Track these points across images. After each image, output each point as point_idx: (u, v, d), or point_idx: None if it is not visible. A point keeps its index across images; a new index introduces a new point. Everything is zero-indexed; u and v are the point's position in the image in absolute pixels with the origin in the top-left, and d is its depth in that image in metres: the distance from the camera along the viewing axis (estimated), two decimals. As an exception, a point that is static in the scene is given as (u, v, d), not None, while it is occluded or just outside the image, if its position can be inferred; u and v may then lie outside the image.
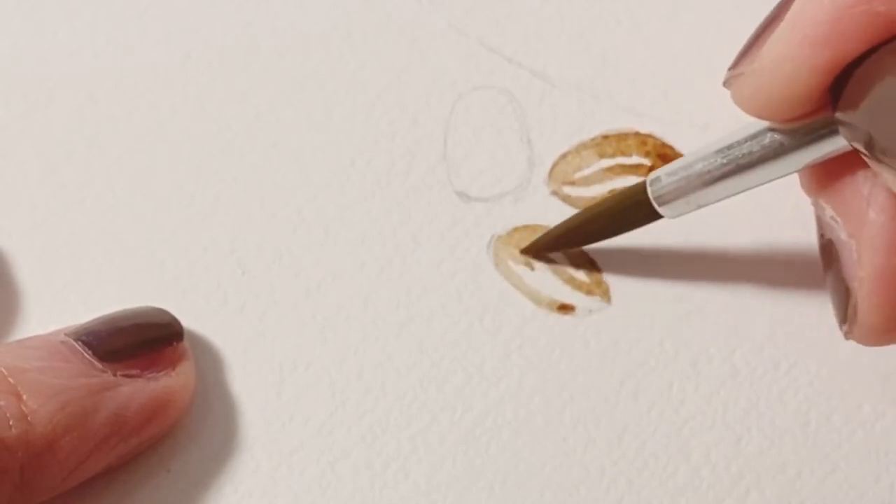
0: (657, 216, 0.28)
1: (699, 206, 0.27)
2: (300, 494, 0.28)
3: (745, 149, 0.26)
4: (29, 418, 0.25)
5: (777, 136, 0.25)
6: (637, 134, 0.32)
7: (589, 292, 0.30)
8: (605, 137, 0.32)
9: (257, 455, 0.28)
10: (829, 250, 0.26)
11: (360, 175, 0.31)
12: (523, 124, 0.32)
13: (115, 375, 0.27)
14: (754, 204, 0.30)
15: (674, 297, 0.30)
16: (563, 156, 0.32)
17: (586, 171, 0.31)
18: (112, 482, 0.28)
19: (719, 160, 0.26)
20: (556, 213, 0.31)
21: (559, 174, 0.31)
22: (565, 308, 0.30)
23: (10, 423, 0.25)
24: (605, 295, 0.30)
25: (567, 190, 0.31)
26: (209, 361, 0.29)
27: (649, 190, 0.28)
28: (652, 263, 0.30)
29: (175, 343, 0.28)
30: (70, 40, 0.33)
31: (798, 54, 0.23)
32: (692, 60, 0.32)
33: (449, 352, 0.29)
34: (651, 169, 0.31)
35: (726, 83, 0.26)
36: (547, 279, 0.30)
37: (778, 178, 0.26)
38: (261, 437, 0.28)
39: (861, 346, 0.27)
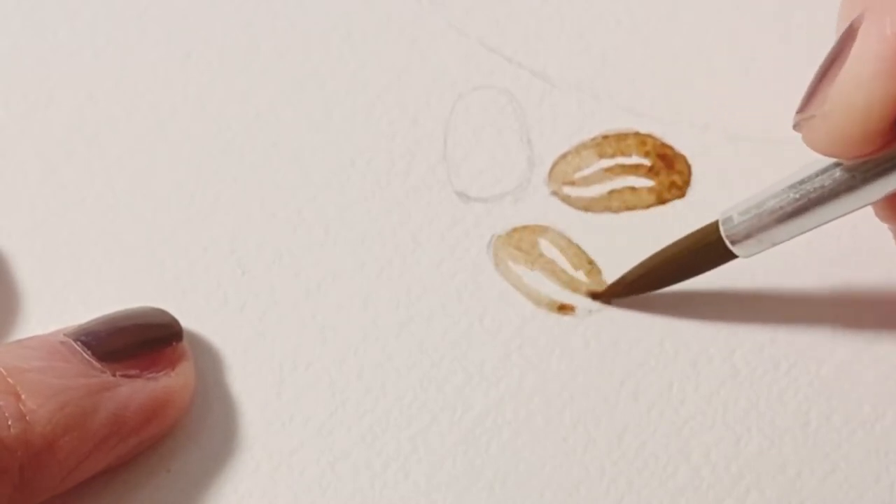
0: (731, 256, 0.28)
1: (773, 244, 0.27)
2: (300, 494, 0.28)
3: (816, 183, 0.26)
4: (28, 418, 0.25)
5: (849, 170, 0.25)
6: (637, 134, 0.32)
7: (589, 292, 0.30)
8: (605, 137, 0.32)
9: (257, 455, 0.28)
10: None
11: (360, 175, 0.31)
12: (523, 124, 0.32)
13: (114, 375, 0.27)
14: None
15: (673, 298, 0.30)
16: (563, 156, 0.32)
17: (586, 171, 0.31)
18: (112, 482, 0.28)
19: (791, 196, 0.26)
20: (555, 213, 0.31)
21: (559, 174, 0.31)
22: (565, 308, 0.30)
23: (9, 422, 0.25)
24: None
25: (567, 190, 0.31)
26: (209, 361, 0.29)
27: (722, 230, 0.28)
28: (652, 263, 0.30)
29: (175, 343, 0.28)
30: (70, 40, 0.33)
31: (869, 90, 0.23)
32: (692, 60, 0.32)
33: (449, 352, 0.29)
34: (651, 169, 0.31)
35: (796, 127, 0.26)
36: (547, 279, 0.30)
37: (852, 211, 0.26)
38: (261, 437, 0.28)
39: (861, 347, 0.27)
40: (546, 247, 0.31)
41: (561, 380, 0.29)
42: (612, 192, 0.31)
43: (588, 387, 0.29)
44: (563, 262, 0.30)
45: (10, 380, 0.25)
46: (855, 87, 0.23)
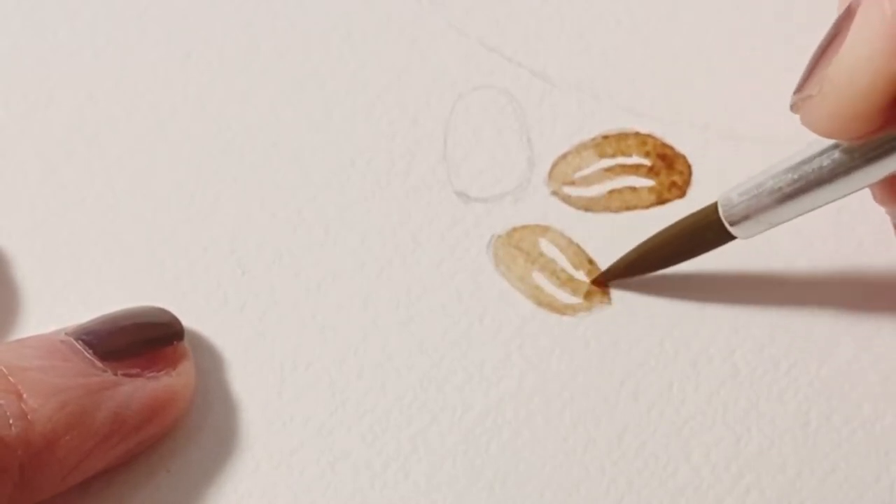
0: (730, 237, 0.28)
1: (772, 225, 0.27)
2: (300, 494, 0.28)
3: (815, 164, 0.26)
4: (29, 417, 0.25)
5: (847, 151, 0.25)
6: (637, 134, 0.32)
7: (589, 292, 0.30)
8: (605, 137, 0.32)
9: (257, 455, 0.28)
10: None
11: (360, 175, 0.31)
12: (523, 124, 0.32)
13: (115, 374, 0.27)
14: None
15: (674, 297, 0.30)
16: (563, 156, 0.32)
17: (586, 171, 0.31)
18: (112, 482, 0.28)
19: (790, 177, 0.26)
20: (555, 213, 0.31)
21: (559, 174, 0.31)
22: (565, 308, 0.30)
23: (10, 421, 0.25)
24: (605, 295, 0.30)
25: (567, 190, 0.31)
26: (209, 361, 0.29)
27: (721, 210, 0.28)
28: (652, 263, 0.30)
29: (176, 342, 0.28)
30: (70, 40, 0.33)
31: (868, 69, 0.23)
32: (692, 60, 0.32)
33: (449, 352, 0.29)
34: (651, 169, 0.31)
35: (793, 107, 0.25)
36: (547, 279, 0.30)
37: (852, 192, 0.26)
38: (261, 437, 0.28)
39: (861, 347, 0.27)
40: (546, 246, 0.31)
41: (561, 379, 0.29)
42: (612, 191, 0.31)
43: (588, 387, 0.29)
44: (564, 262, 0.30)
45: (11, 378, 0.25)
46: (854, 67, 0.23)
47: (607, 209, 0.31)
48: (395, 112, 0.32)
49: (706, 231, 0.28)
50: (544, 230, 0.31)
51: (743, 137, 0.31)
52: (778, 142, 0.31)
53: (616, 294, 0.30)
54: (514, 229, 0.31)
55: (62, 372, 0.26)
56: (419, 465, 0.28)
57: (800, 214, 0.27)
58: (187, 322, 0.29)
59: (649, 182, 0.31)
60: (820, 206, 0.26)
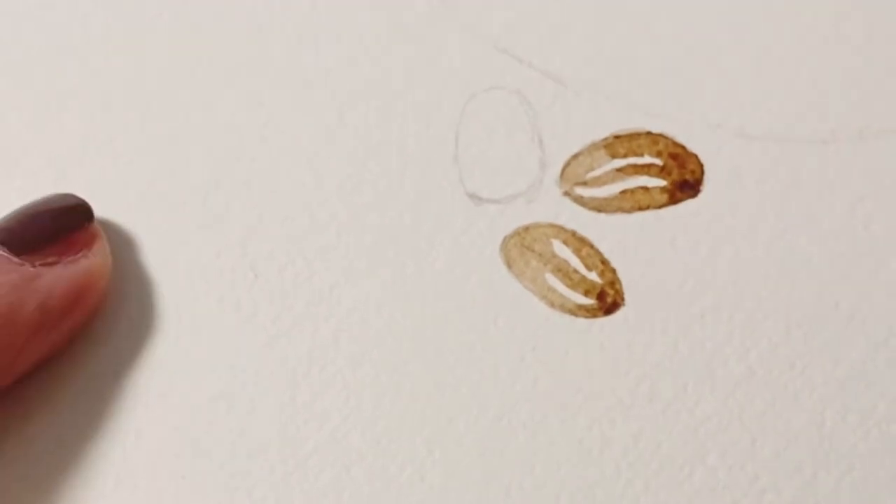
0: None
1: None
2: (316, 499, 0.28)
3: None
4: None
5: None
6: (649, 133, 0.32)
7: (602, 293, 0.30)
8: (617, 137, 0.32)
9: (272, 459, 0.28)
10: None
11: (372, 177, 0.31)
12: (535, 125, 0.32)
13: (34, 266, 0.27)
14: (769, 206, 0.30)
15: (688, 298, 0.30)
16: (575, 156, 0.32)
17: (598, 172, 0.31)
18: (126, 490, 0.28)
19: None
20: (568, 214, 0.31)
21: (571, 175, 0.31)
22: (579, 309, 0.30)
23: None
24: (620, 295, 0.30)
25: (579, 190, 0.31)
26: (222, 366, 0.29)
27: None
28: (666, 263, 0.30)
29: (87, 224, 0.28)
30: (81, 45, 0.33)
31: None
32: (704, 59, 0.32)
33: (463, 354, 0.29)
34: (663, 169, 0.31)
35: None
36: (560, 280, 0.30)
37: None
38: (275, 442, 0.28)
39: (876, 347, 0.27)
40: (559, 247, 0.30)
41: (576, 381, 0.29)
42: (624, 192, 0.31)
43: (603, 388, 0.29)
44: (577, 263, 0.30)
45: None
46: None
47: (620, 209, 0.31)
48: (406, 114, 0.32)
49: None
50: (557, 231, 0.31)
51: (755, 136, 0.31)
52: (790, 140, 0.31)
53: (630, 295, 0.30)
54: (527, 230, 0.31)
55: None
56: (435, 468, 0.28)
57: None
58: (200, 326, 0.29)
59: (662, 182, 0.31)
60: None
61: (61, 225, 0.28)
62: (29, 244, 0.27)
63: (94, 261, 0.28)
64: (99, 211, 0.30)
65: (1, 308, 0.26)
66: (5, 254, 0.27)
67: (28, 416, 0.28)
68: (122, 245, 0.30)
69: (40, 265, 0.27)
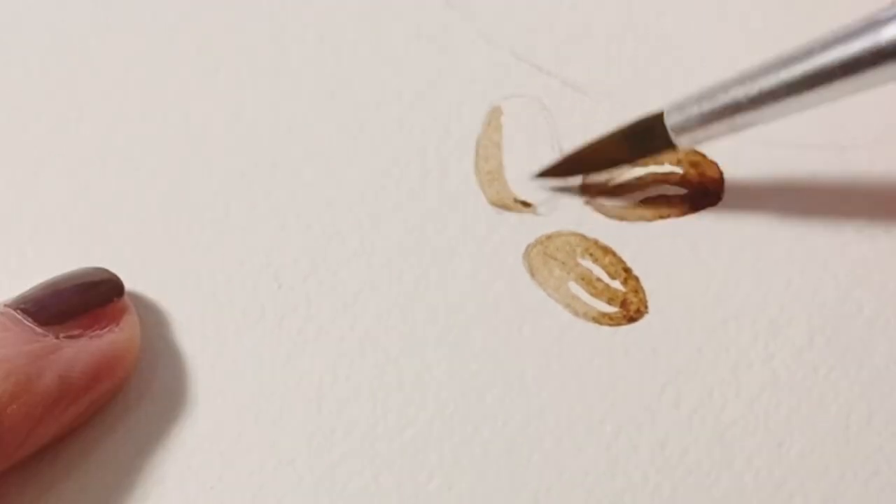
0: (671, 145, 0.29)
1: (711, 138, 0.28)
2: (345, 508, 0.28)
3: (766, 82, 0.27)
4: None
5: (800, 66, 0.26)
6: (668, 142, 0.32)
7: (626, 301, 0.30)
8: (637, 145, 0.32)
9: (300, 469, 0.28)
10: None
11: (394, 186, 0.31)
12: (554, 133, 0.32)
13: (57, 338, 0.27)
14: (790, 210, 0.30)
15: (711, 304, 0.30)
16: (595, 164, 0.32)
17: (619, 180, 0.31)
18: (154, 499, 0.27)
19: (742, 91, 0.27)
20: (590, 223, 0.31)
21: (592, 183, 0.31)
22: (602, 317, 0.30)
23: None
24: (643, 303, 0.30)
25: (601, 199, 0.31)
26: (248, 377, 0.29)
27: (666, 117, 0.29)
28: (689, 271, 0.30)
29: (116, 299, 0.28)
30: (100, 56, 0.33)
31: None
32: (722, 67, 0.33)
33: (488, 362, 0.29)
34: (683, 177, 0.31)
35: None
36: (583, 288, 0.30)
37: (794, 112, 0.27)
38: (303, 452, 0.28)
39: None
40: (582, 256, 0.31)
41: (601, 388, 0.29)
42: (645, 200, 0.31)
43: (628, 395, 0.29)
44: (599, 271, 0.30)
45: None
46: None
47: (642, 218, 0.31)
48: (426, 122, 0.32)
49: (649, 133, 0.29)
50: (580, 239, 0.31)
51: (775, 143, 0.32)
52: (811, 147, 0.31)
53: (654, 302, 0.30)
54: (549, 239, 0.31)
55: (3, 343, 0.26)
56: (463, 476, 0.28)
57: (746, 128, 0.28)
58: (225, 337, 0.29)
59: (682, 190, 0.31)
60: (762, 123, 0.27)
61: (89, 299, 0.28)
62: (55, 316, 0.27)
63: (119, 336, 0.28)
64: (124, 216, 0.30)
65: (19, 377, 0.25)
66: (29, 324, 0.27)
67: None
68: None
69: (64, 337, 0.27)
